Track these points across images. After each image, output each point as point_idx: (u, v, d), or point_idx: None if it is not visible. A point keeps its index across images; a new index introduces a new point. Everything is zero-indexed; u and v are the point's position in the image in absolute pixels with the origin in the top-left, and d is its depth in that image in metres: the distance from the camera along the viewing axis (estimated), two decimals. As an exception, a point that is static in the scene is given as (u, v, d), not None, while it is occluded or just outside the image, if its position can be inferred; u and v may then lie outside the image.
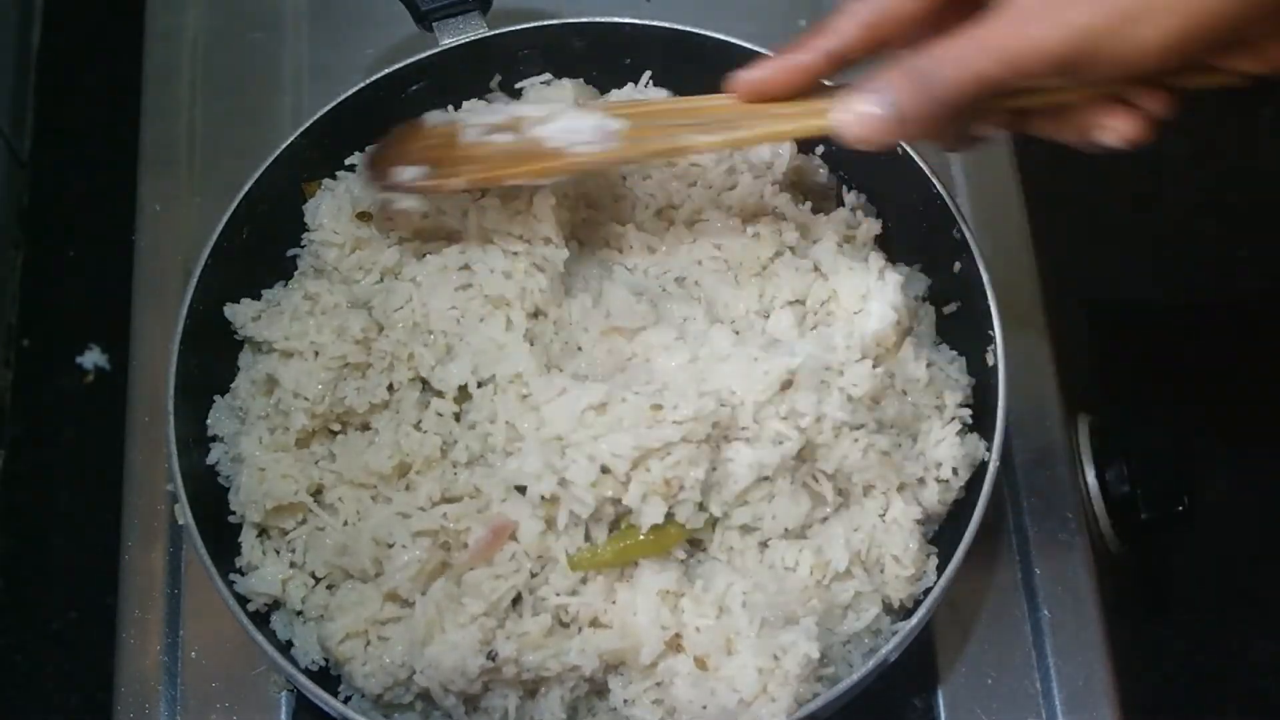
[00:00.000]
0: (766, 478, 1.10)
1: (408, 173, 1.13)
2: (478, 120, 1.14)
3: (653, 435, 1.05)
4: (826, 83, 1.05)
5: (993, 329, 1.17)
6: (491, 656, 1.05)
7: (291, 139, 1.26)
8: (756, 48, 1.28)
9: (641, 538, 1.09)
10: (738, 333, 1.16)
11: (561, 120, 1.10)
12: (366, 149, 1.19)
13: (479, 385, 1.14)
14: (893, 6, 0.98)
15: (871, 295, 1.18)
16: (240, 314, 1.22)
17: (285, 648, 1.13)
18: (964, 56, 0.91)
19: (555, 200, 1.18)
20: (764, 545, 1.12)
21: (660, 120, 1.11)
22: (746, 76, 1.05)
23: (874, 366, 1.15)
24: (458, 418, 1.15)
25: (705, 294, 1.21)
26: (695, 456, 1.06)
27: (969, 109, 0.94)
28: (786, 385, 1.09)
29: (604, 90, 1.34)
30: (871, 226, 1.27)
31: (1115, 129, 0.97)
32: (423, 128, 1.16)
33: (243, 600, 1.13)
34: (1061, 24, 0.88)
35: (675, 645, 1.08)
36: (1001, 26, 0.90)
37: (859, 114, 0.97)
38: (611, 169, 1.24)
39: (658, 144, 1.11)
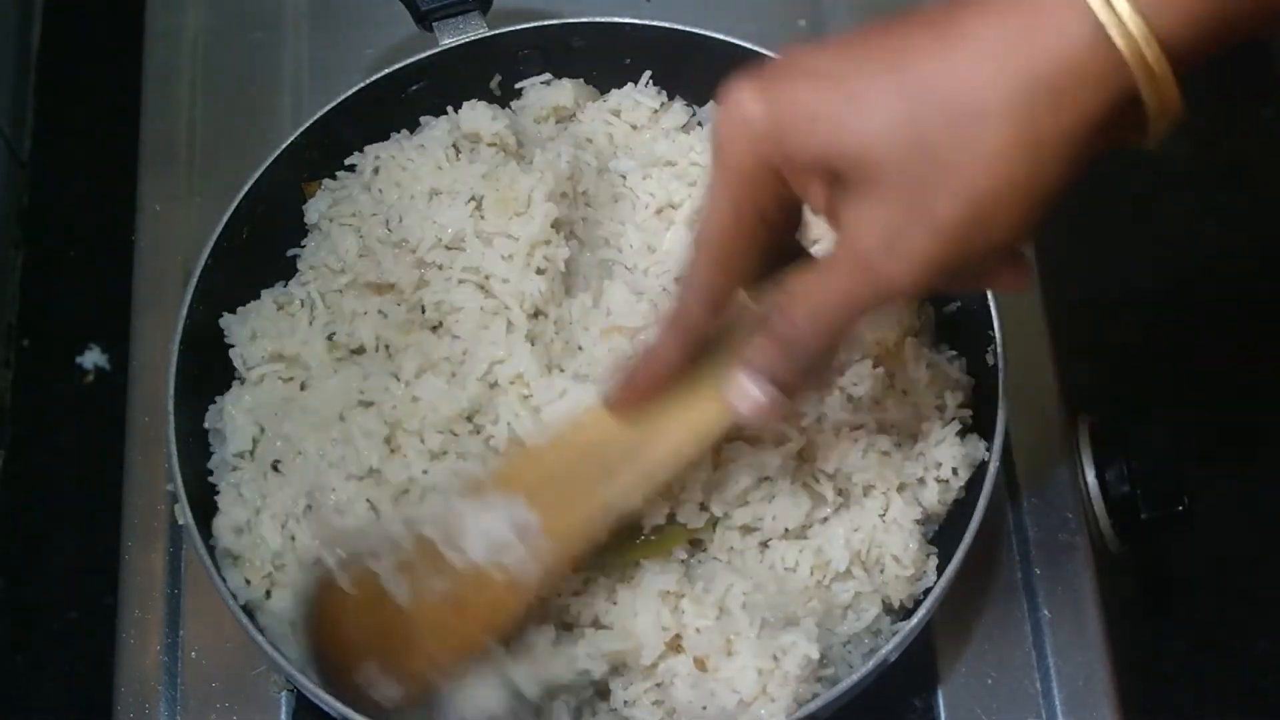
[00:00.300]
0: (767, 478, 1.10)
1: (374, 693, 1.00)
2: (386, 557, 1.01)
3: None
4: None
5: (993, 329, 1.17)
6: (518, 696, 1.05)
7: (291, 139, 1.26)
8: (756, 48, 1.28)
9: (643, 539, 1.09)
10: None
11: (471, 526, 0.99)
12: (305, 656, 1.04)
13: (491, 387, 1.15)
14: (732, 263, 0.91)
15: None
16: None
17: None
18: (818, 311, 0.86)
19: (554, 200, 1.18)
20: (764, 545, 1.12)
21: (563, 486, 1.00)
22: (621, 396, 0.99)
23: (875, 367, 1.15)
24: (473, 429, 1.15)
25: (705, 294, 1.21)
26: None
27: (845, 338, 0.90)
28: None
29: (604, 90, 1.34)
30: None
31: (1003, 280, 0.92)
32: (339, 595, 1.02)
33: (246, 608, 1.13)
34: (910, 260, 0.82)
35: (675, 646, 1.08)
36: (846, 275, 0.85)
37: (751, 401, 0.92)
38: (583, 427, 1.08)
39: (581, 527, 1.00)
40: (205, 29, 1.55)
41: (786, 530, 1.11)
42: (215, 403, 1.21)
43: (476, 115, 1.28)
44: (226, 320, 1.22)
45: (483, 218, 1.19)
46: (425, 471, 1.12)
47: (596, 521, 1.01)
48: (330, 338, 1.21)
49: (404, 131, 1.31)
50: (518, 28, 1.31)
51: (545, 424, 1.11)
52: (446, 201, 1.21)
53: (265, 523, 1.14)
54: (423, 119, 1.31)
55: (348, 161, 1.29)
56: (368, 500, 1.12)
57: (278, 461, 1.16)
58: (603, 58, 1.33)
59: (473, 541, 0.99)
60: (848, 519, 1.13)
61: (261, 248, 1.26)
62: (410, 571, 1.00)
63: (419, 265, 1.21)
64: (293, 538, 1.14)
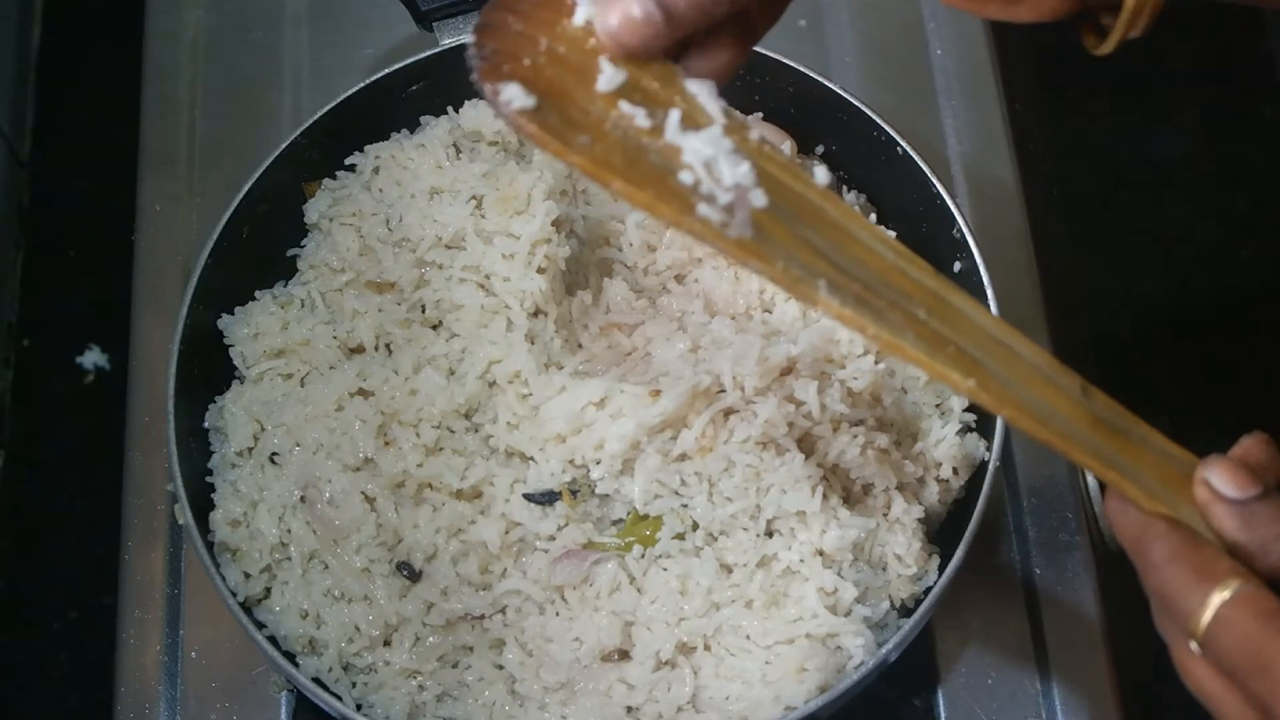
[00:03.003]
0: (771, 474, 1.10)
1: (515, 95, 0.82)
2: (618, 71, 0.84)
3: (651, 413, 1.06)
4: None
5: (993, 329, 1.17)
6: None
7: (291, 139, 1.26)
8: (757, 48, 1.28)
9: (648, 533, 1.10)
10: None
11: (709, 142, 0.83)
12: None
13: (489, 385, 1.15)
14: None
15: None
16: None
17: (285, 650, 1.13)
18: None
19: (554, 198, 1.18)
20: (768, 538, 1.12)
21: (804, 222, 0.84)
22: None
23: (875, 362, 1.15)
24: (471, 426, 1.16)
25: (704, 290, 1.21)
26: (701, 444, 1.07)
27: None
28: (787, 371, 1.10)
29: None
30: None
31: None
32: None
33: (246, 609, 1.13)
34: None
35: (682, 639, 1.09)
36: None
37: (624, 16, 0.81)
38: None
39: (790, 269, 0.82)
40: (205, 29, 1.56)
41: (792, 528, 1.11)
42: (215, 402, 1.21)
43: (478, 114, 1.28)
44: (226, 320, 1.22)
45: (483, 216, 1.19)
46: (420, 465, 1.12)
47: (810, 283, 0.82)
48: (331, 336, 1.21)
49: (404, 131, 1.31)
50: (518, 27, 1.31)
51: (543, 420, 1.11)
52: (447, 200, 1.21)
53: (262, 515, 1.14)
54: (423, 119, 1.31)
55: (348, 161, 1.29)
56: (362, 493, 1.13)
57: (275, 454, 1.16)
58: (603, 57, 1.33)
59: (695, 147, 0.83)
60: (850, 517, 1.13)
61: (261, 248, 1.26)
62: (631, 90, 0.85)
63: (419, 264, 1.21)
64: (289, 530, 1.14)
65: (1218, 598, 0.77)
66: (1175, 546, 0.81)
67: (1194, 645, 0.79)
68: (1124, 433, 0.85)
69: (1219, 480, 0.81)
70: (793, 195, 0.85)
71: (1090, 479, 1.29)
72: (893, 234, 0.95)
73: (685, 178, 0.82)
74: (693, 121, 0.84)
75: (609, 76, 0.84)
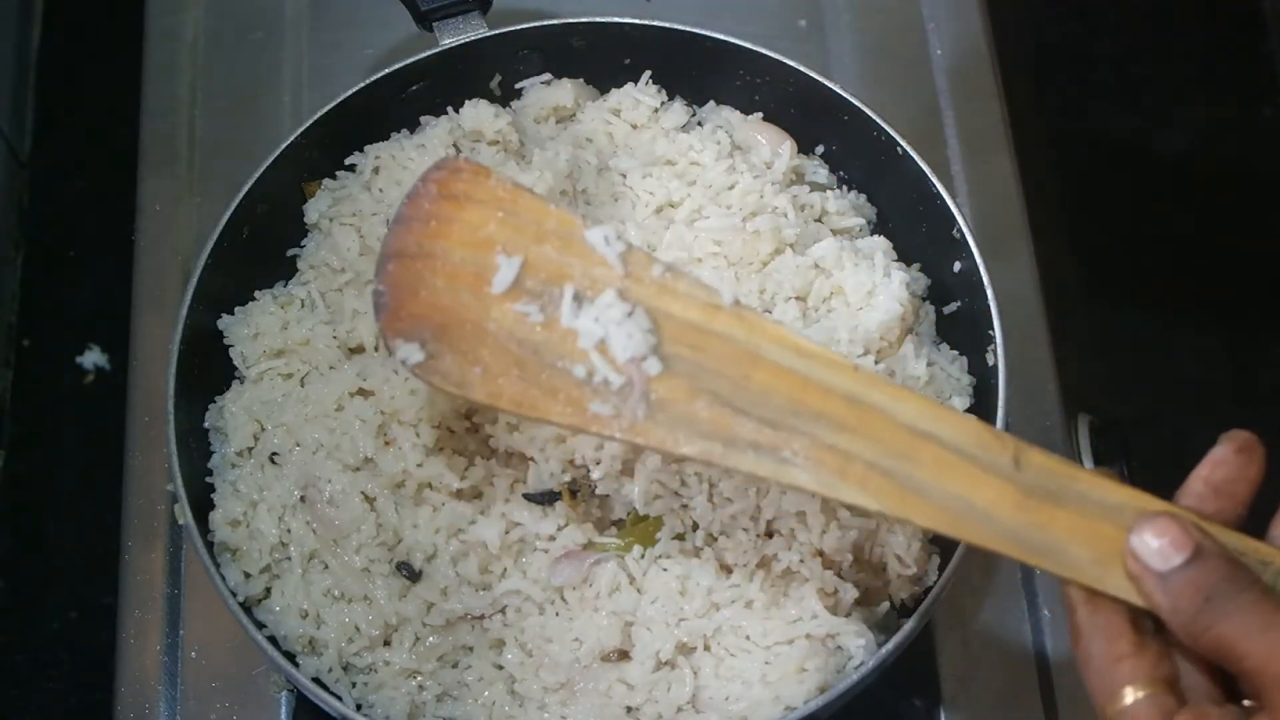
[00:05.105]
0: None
1: (410, 352, 0.91)
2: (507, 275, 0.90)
3: None
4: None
5: (993, 329, 1.17)
6: None
7: (291, 139, 1.26)
8: (757, 48, 1.28)
9: (648, 534, 1.10)
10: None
11: (602, 315, 0.87)
12: (380, 266, 0.94)
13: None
14: None
15: (877, 291, 1.18)
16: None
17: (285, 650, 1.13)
18: None
19: (555, 198, 1.18)
20: (768, 539, 1.12)
21: (735, 383, 0.86)
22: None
23: (876, 362, 1.15)
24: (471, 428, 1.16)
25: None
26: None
27: None
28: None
29: (604, 90, 1.34)
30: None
31: None
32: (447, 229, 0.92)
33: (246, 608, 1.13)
34: None
35: (682, 639, 1.09)
36: None
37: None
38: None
39: (702, 436, 0.86)
40: (205, 29, 1.56)
41: (793, 529, 1.11)
42: (215, 402, 1.21)
43: (479, 113, 1.28)
44: (226, 320, 1.22)
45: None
46: (420, 465, 1.12)
47: (706, 450, 0.86)
48: (331, 336, 1.21)
49: (404, 131, 1.31)
50: (518, 28, 1.31)
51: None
52: (446, 201, 1.21)
53: (262, 515, 1.14)
54: (423, 119, 1.31)
55: (348, 161, 1.29)
56: (362, 493, 1.13)
57: (275, 454, 1.16)
58: (603, 58, 1.33)
59: (587, 324, 0.87)
60: (850, 517, 1.13)
61: (261, 248, 1.26)
62: (527, 275, 0.89)
63: (419, 265, 1.21)
64: (289, 530, 1.14)
65: (1118, 703, 0.80)
66: (1092, 643, 0.83)
67: None
68: (1058, 497, 0.84)
69: (1144, 549, 0.81)
70: (695, 335, 0.88)
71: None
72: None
73: (579, 372, 0.88)
74: (589, 286, 0.88)
75: (504, 273, 0.89)
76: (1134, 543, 0.82)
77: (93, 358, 1.58)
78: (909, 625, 1.09)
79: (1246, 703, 0.80)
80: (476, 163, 0.94)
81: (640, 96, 1.31)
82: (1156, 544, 0.81)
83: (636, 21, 1.32)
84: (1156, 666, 0.81)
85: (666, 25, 1.31)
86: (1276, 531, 0.84)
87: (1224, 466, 0.85)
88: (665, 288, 0.88)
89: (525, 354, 0.89)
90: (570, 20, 1.32)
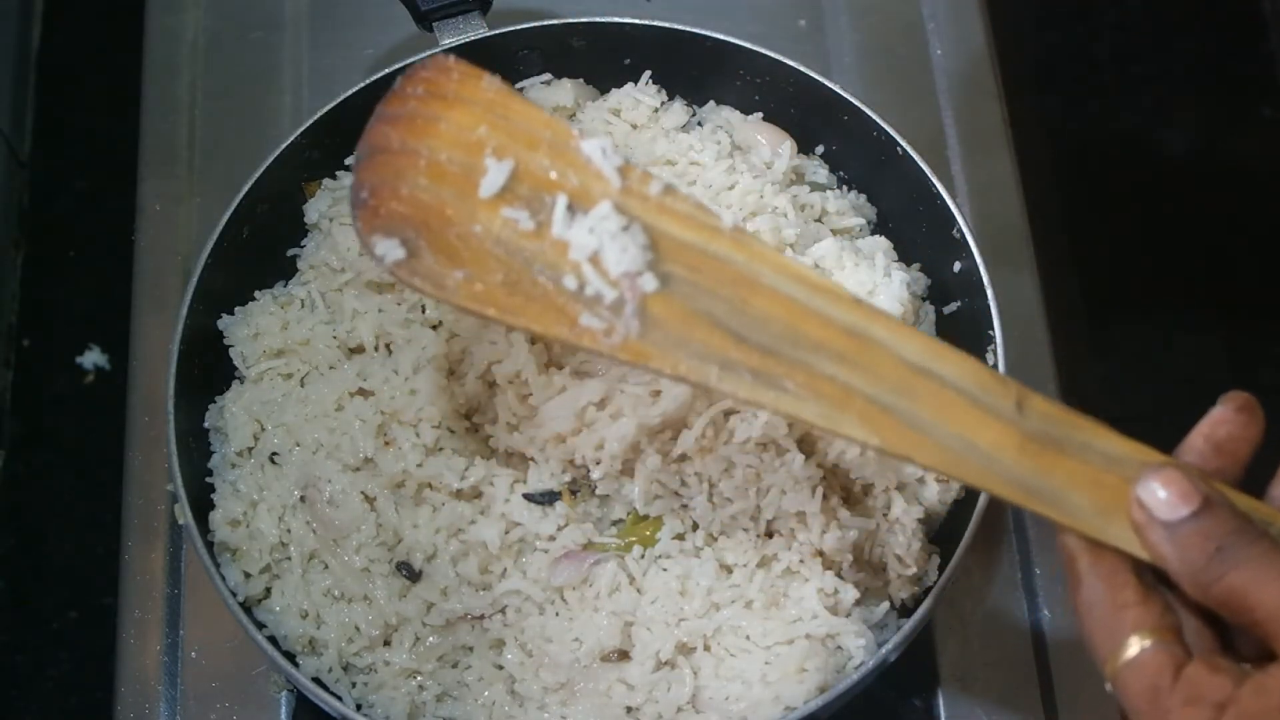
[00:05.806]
0: (771, 475, 1.10)
1: (389, 249, 0.86)
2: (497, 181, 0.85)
3: (651, 414, 1.07)
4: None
5: (993, 329, 1.17)
6: None
7: (291, 139, 1.26)
8: (757, 48, 1.28)
9: (648, 534, 1.11)
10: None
11: (596, 227, 0.83)
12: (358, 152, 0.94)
13: (489, 385, 1.15)
14: None
15: (877, 291, 1.18)
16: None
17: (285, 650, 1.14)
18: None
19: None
20: (768, 539, 1.12)
21: (732, 310, 0.83)
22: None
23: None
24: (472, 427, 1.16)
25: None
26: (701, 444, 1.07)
27: None
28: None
29: (604, 90, 1.34)
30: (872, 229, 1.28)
31: None
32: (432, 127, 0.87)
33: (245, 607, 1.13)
34: None
35: (681, 639, 1.09)
36: None
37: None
38: None
39: (696, 357, 0.82)
40: (205, 29, 1.55)
41: (792, 529, 1.11)
42: (215, 402, 1.21)
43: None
44: (226, 320, 1.22)
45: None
46: (420, 465, 1.12)
47: (702, 372, 0.82)
48: (331, 336, 1.21)
49: (404, 131, 1.31)
50: (518, 28, 1.31)
51: (543, 420, 1.11)
52: (446, 201, 1.21)
53: (262, 515, 1.14)
54: (423, 119, 1.31)
55: (348, 161, 1.29)
56: (362, 493, 1.13)
57: (275, 454, 1.16)
58: (603, 58, 1.33)
59: (579, 234, 0.83)
60: (850, 517, 1.13)
61: (261, 248, 1.26)
62: (518, 182, 0.85)
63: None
64: (289, 530, 1.14)
65: (1124, 652, 0.79)
66: (1094, 590, 0.81)
67: (1108, 686, 0.80)
68: (1061, 444, 0.82)
69: (1151, 499, 0.80)
70: (693, 255, 0.84)
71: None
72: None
73: (569, 283, 0.83)
74: (583, 198, 0.84)
75: (493, 176, 0.84)
76: (1140, 492, 0.81)
77: (93, 358, 1.58)
78: (909, 625, 1.09)
79: (1245, 665, 0.79)
80: (468, 62, 0.89)
81: (640, 96, 1.31)
82: (1164, 494, 0.80)
83: (636, 21, 1.32)
84: (1164, 616, 0.80)
85: (666, 25, 1.31)
86: (1276, 493, 0.84)
87: (1225, 425, 0.84)
88: (663, 206, 0.84)
89: (512, 261, 0.84)
90: (570, 20, 1.32)
